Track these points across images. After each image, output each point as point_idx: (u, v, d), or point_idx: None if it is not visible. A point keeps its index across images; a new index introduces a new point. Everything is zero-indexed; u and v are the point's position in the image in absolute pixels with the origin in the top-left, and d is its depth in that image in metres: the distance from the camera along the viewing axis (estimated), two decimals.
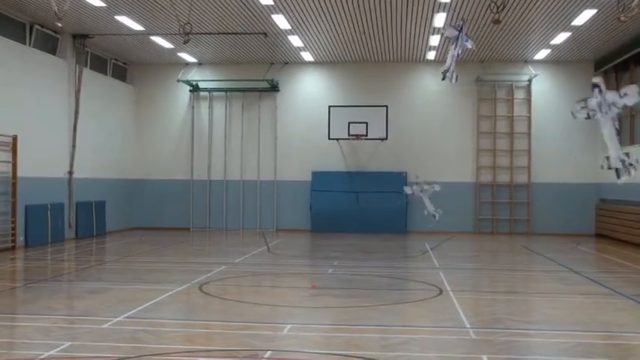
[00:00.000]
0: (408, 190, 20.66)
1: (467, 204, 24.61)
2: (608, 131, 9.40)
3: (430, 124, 24.70)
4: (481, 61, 24.24)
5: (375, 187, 24.29)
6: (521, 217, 24.45)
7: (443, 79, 12.62)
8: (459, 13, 17.29)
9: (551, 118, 24.43)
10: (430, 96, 24.78)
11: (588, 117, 9.51)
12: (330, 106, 24.00)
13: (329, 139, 23.94)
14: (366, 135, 23.57)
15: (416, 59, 24.33)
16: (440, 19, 18.47)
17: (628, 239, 20.53)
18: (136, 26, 19.54)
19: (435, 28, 19.62)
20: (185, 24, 15.64)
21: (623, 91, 9.22)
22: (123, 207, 24.74)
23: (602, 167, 9.68)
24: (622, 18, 13.93)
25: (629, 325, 9.14)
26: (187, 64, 25.23)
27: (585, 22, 18.55)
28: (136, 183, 25.48)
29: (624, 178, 9.55)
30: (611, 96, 9.24)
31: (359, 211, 24.21)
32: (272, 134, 25.29)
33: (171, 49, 22.70)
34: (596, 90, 9.32)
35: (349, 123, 23.58)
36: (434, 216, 19.55)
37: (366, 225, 23.93)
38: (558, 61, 24.03)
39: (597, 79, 9.57)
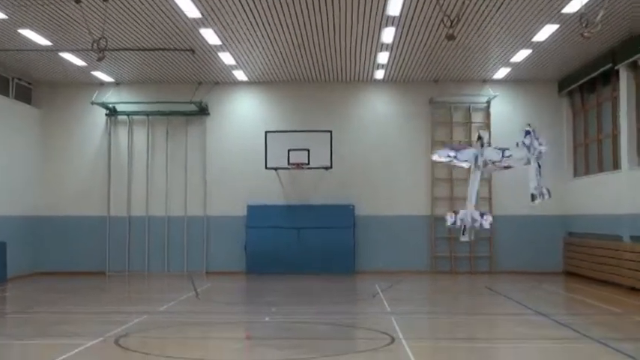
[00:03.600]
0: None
1: (421, 240, 24.86)
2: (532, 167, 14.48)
3: (380, 150, 24.96)
4: (435, 81, 24.71)
5: (318, 222, 24.33)
6: (482, 254, 24.79)
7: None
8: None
9: (513, 143, 24.82)
10: (379, 119, 25.08)
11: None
12: (267, 132, 24.01)
13: (266, 168, 23.92)
14: (308, 163, 23.62)
15: (363, 79, 24.67)
16: (389, 34, 18.80)
17: (597, 276, 21.03)
18: (43, 41, 19.30)
19: (383, 44, 19.95)
20: (99, 39, 15.42)
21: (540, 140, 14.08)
22: (27, 249, 24.14)
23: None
24: (585, 34, 14.36)
25: None
26: (103, 84, 25.00)
27: (547, 38, 19.14)
28: (42, 220, 24.93)
29: (537, 202, 13.86)
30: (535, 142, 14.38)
31: (301, 250, 24.19)
32: (201, 163, 25.19)
33: (84, 67, 22.47)
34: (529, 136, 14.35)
35: (289, 150, 23.62)
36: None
37: (309, 265, 23.91)
38: (519, 80, 24.66)
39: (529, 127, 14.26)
